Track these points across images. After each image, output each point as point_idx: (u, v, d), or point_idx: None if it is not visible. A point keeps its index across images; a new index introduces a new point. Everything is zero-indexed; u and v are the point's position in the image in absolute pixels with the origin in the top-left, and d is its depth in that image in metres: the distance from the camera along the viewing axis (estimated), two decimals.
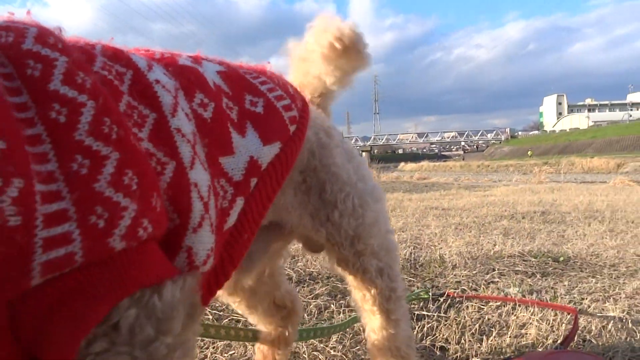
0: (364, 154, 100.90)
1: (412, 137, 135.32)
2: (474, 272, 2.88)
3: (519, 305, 2.20)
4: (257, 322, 1.54)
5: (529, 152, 70.78)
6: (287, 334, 1.52)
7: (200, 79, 0.86)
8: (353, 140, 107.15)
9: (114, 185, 0.58)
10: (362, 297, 1.26)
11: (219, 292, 1.11)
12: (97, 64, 0.70)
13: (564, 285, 2.61)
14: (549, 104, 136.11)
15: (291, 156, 1.00)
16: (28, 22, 0.65)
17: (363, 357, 1.79)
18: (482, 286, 2.61)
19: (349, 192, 1.13)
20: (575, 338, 1.84)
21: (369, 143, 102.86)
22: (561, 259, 3.20)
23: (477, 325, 1.99)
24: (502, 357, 1.73)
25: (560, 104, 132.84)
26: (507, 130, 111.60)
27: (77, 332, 0.55)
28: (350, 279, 1.25)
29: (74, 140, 0.57)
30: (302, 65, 1.31)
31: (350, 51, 1.23)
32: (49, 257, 0.52)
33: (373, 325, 1.28)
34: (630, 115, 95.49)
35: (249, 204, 0.90)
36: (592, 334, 1.90)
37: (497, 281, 2.71)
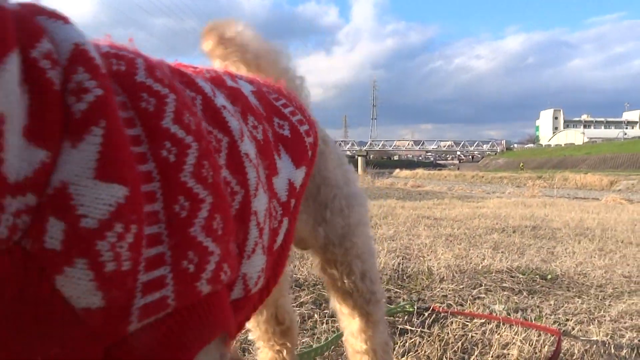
0: (359, 158, 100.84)
1: (409, 144, 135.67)
2: (461, 286, 2.87)
3: (503, 324, 2.18)
4: (257, 337, 1.53)
5: (521, 165, 71.10)
6: (285, 353, 1.52)
7: (247, 102, 0.89)
8: (349, 145, 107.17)
9: (206, 229, 0.60)
10: (343, 301, 1.28)
11: None
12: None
13: (550, 305, 2.60)
14: (545, 118, 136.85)
15: (308, 179, 1.05)
16: (132, 51, 0.66)
17: None
18: (469, 301, 2.59)
19: (337, 194, 1.19)
20: None
21: (365, 148, 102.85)
22: (549, 276, 3.20)
23: (460, 342, 1.98)
24: None
25: (556, 118, 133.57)
26: (503, 142, 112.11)
27: None
28: (331, 284, 1.27)
29: (180, 182, 0.58)
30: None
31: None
32: (146, 301, 0.53)
33: (352, 328, 1.31)
34: (625, 134, 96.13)
35: (291, 223, 0.95)
36: (574, 357, 1.89)
37: (484, 297, 2.70)
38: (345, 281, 1.24)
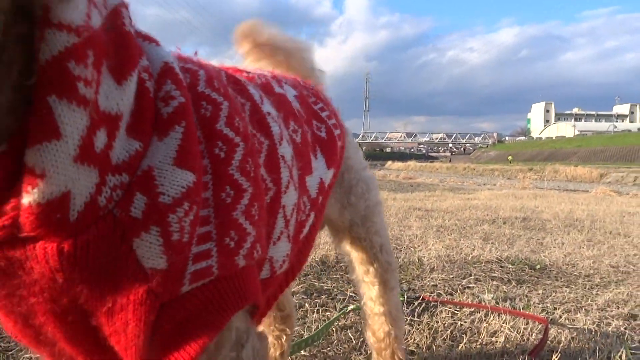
0: None
1: (401, 136, 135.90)
2: (451, 276, 2.89)
3: (492, 313, 2.21)
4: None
5: (509, 158, 71.52)
6: (284, 339, 1.62)
7: (290, 107, 1.03)
8: None
9: (245, 214, 0.73)
10: (366, 271, 1.47)
11: None
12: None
13: (538, 294, 2.63)
14: (537, 111, 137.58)
15: (335, 179, 1.20)
16: (195, 62, 0.80)
17: (333, 357, 1.79)
18: (458, 291, 2.62)
19: (358, 179, 1.35)
20: (544, 348, 1.85)
21: (357, 140, 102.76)
22: (537, 266, 3.23)
23: (449, 331, 2.00)
24: None
25: (548, 111, 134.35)
26: (495, 134, 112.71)
27: (205, 339, 0.65)
28: (355, 256, 1.46)
29: (227, 174, 0.72)
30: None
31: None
32: (196, 268, 0.65)
33: (371, 294, 1.49)
34: (616, 127, 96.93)
35: (317, 217, 1.08)
36: (562, 345, 1.92)
37: (473, 286, 2.72)
38: (367, 254, 1.44)
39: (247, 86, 0.91)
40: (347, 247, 1.46)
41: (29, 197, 0.53)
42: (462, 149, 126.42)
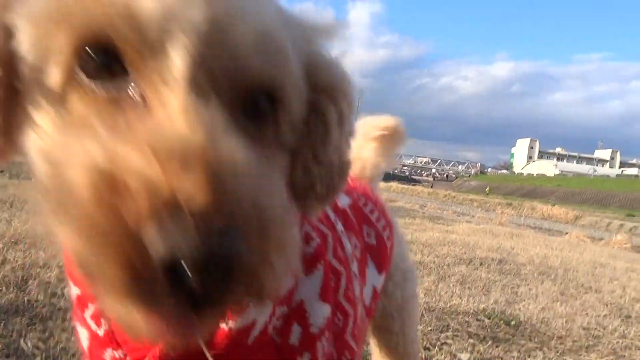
0: None
1: None
2: (429, 328, 2.92)
3: None
4: None
5: (487, 189, 72.56)
6: None
7: (349, 220, 1.10)
8: None
9: (352, 335, 0.83)
10: (387, 355, 1.44)
11: None
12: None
13: (513, 357, 2.67)
14: (521, 147, 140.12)
15: (386, 282, 1.25)
16: None
17: None
18: (436, 347, 2.64)
19: (398, 270, 1.33)
20: None
21: None
22: (512, 322, 3.28)
23: None
24: None
25: (532, 148, 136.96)
26: (478, 165, 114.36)
27: None
28: (382, 345, 1.42)
29: (338, 301, 0.81)
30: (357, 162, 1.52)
31: (394, 136, 1.51)
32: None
33: None
34: (595, 171, 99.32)
35: (367, 321, 1.14)
36: None
37: (450, 343, 2.75)
38: (397, 346, 1.40)
39: (330, 216, 1.01)
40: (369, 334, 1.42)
41: (231, 324, 0.64)
42: (444, 175, 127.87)
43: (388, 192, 38.73)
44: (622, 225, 42.48)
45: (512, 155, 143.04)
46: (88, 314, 0.67)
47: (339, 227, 1.00)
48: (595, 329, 3.51)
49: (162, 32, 0.46)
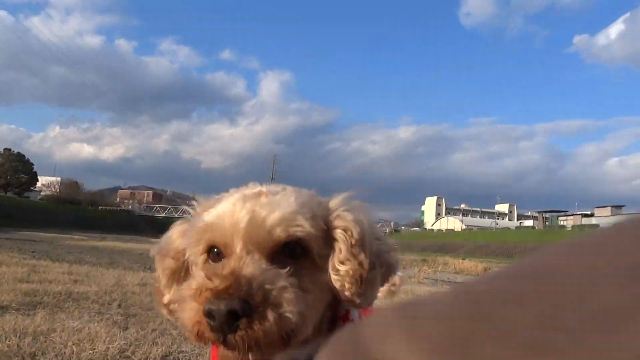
0: None
1: None
2: None
3: None
4: None
5: (395, 246, 74.81)
6: None
7: None
8: None
9: None
10: None
11: None
12: None
13: None
14: (429, 204, 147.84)
15: None
16: None
17: None
18: None
19: None
20: None
21: None
22: None
23: None
24: None
25: (439, 205, 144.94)
26: (392, 223, 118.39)
27: None
28: None
29: None
30: None
31: None
32: None
33: None
34: (497, 223, 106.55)
35: None
36: None
37: None
38: None
39: None
40: None
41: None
42: None
43: None
44: None
45: (422, 213, 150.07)
46: None
47: None
48: None
49: (233, 237, 0.99)
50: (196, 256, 1.05)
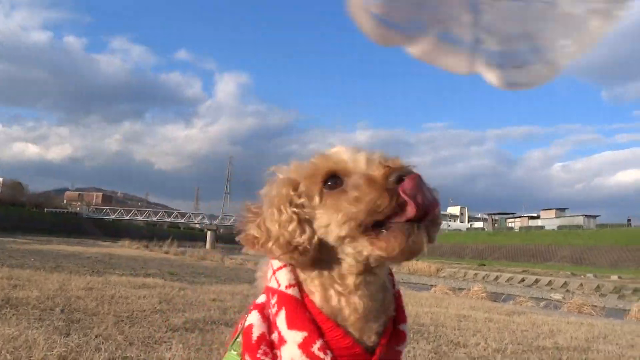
0: (209, 232, 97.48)
1: None
2: None
3: None
4: None
5: None
6: None
7: None
8: (200, 218, 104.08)
9: None
10: None
11: None
12: None
13: None
14: None
15: None
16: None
17: None
18: None
19: None
20: None
21: (215, 222, 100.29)
22: None
23: None
24: None
25: None
26: None
27: None
28: None
29: None
30: None
31: None
32: None
33: None
34: (449, 225, 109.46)
35: None
36: None
37: None
38: None
39: None
40: None
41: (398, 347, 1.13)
42: None
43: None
44: (476, 274, 47.08)
45: None
46: (316, 347, 0.98)
47: None
48: None
49: (353, 165, 1.03)
50: (313, 185, 1.05)
